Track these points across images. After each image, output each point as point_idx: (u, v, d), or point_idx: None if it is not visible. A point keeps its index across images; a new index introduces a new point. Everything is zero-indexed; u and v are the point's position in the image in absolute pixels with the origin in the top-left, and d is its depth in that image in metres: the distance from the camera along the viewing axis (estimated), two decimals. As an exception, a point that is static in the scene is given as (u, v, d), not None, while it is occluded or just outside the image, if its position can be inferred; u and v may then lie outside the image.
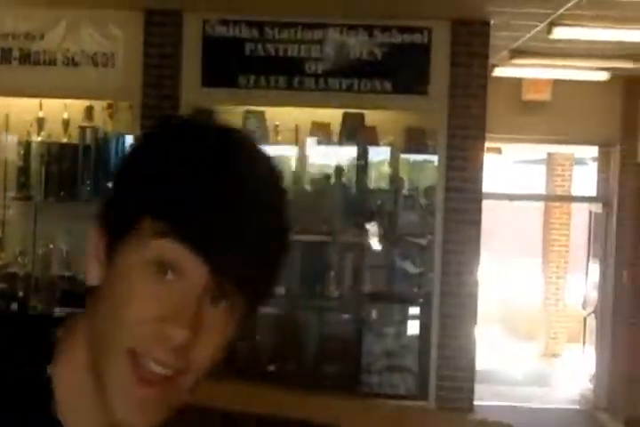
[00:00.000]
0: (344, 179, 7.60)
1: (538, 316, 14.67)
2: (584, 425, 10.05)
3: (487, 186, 11.40)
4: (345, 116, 7.47)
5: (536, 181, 15.11)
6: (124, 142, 6.76)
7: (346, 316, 6.84)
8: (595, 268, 10.89)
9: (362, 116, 7.46)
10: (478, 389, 11.38)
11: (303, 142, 7.49)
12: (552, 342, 14.02)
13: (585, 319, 11.32)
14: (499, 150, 14.20)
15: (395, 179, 7.70)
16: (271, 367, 6.48)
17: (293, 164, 7.61)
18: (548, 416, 10.35)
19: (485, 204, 7.37)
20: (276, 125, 7.44)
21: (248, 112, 7.38)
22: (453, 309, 6.61)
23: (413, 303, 6.86)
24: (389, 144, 7.64)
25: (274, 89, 6.87)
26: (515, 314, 16.35)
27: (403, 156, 7.73)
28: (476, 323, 6.44)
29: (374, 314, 6.83)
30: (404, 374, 6.66)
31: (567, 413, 10.57)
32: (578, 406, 10.78)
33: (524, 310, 15.83)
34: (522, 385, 12.00)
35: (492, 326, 15.68)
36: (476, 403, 10.62)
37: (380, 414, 5.54)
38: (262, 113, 7.40)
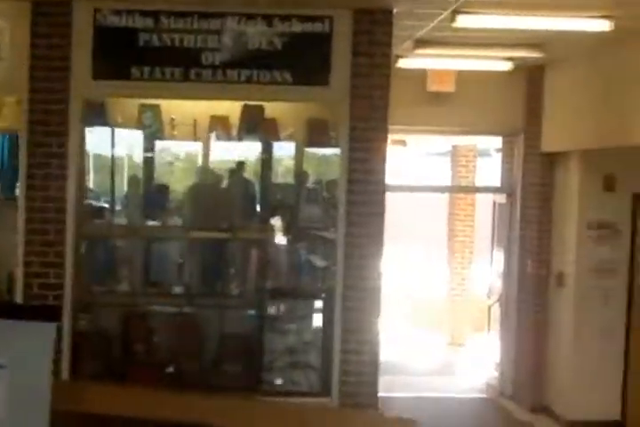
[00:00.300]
0: (246, 174, 7.41)
1: (443, 306, 14.67)
2: (490, 413, 10.02)
3: (393, 178, 11.32)
4: (244, 108, 7.28)
5: (442, 172, 15.09)
6: (10, 139, 6.44)
7: (247, 313, 6.66)
8: (499, 257, 10.88)
9: (262, 109, 7.28)
10: (385, 381, 11.24)
11: (205, 137, 7.27)
12: (458, 332, 14.03)
13: (489, 308, 11.31)
14: (404, 143, 14.16)
15: (299, 173, 7.54)
16: (170, 368, 6.26)
17: (193, 159, 7.40)
18: (454, 405, 10.31)
19: (391, 196, 7.31)
20: (173, 119, 7.20)
21: (143, 105, 7.13)
22: (356, 302, 6.47)
23: (316, 298, 6.71)
24: (291, 136, 7.47)
25: (169, 81, 6.63)
26: (421, 305, 16.33)
27: (308, 149, 7.57)
28: (379, 316, 6.30)
29: (276, 310, 6.66)
30: (307, 370, 6.51)
31: (473, 401, 10.55)
32: (484, 395, 10.75)
33: (430, 300, 15.82)
34: (428, 375, 11.95)
35: (399, 317, 15.65)
36: (382, 395, 10.56)
37: (279, 414, 5.37)
38: (158, 106, 7.17)
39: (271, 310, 6.65)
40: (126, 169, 7.47)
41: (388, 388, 10.90)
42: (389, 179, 6.78)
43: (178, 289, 6.70)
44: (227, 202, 7.06)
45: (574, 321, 9.12)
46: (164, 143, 7.30)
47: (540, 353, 9.79)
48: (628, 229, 9.02)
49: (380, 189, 6.60)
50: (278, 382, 6.48)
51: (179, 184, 7.57)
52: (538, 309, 9.86)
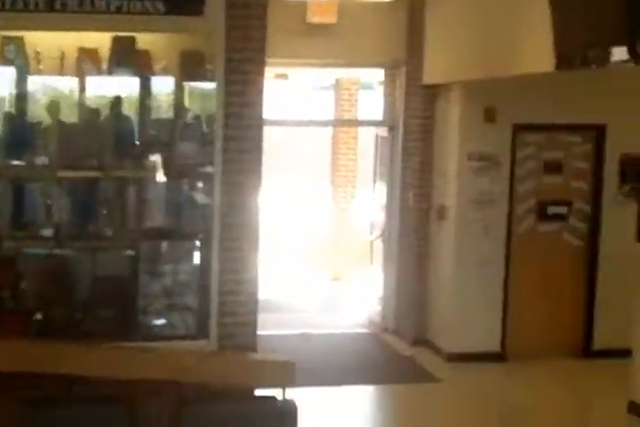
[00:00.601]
0: (124, 110, 7.03)
1: (327, 241, 14.58)
2: (371, 348, 10.00)
3: (275, 113, 11.05)
4: (114, 40, 6.88)
5: (325, 106, 14.84)
6: None
7: (121, 255, 6.36)
8: (381, 192, 10.78)
9: (133, 40, 6.90)
10: (267, 319, 11.18)
11: (76, 71, 6.86)
12: (341, 267, 13.96)
13: (372, 243, 11.24)
14: (285, 76, 13.85)
15: (178, 108, 7.21)
16: (38, 315, 5.96)
17: (68, 95, 6.99)
18: (336, 341, 10.26)
19: (275, 131, 7.11)
20: (38, 52, 6.77)
21: (5, 38, 6.67)
22: (234, 242, 6.24)
23: (193, 238, 6.45)
24: (165, 70, 7.10)
25: (33, 12, 6.19)
26: (305, 240, 16.22)
27: (189, 84, 7.23)
28: (258, 255, 6.11)
29: (152, 251, 6.39)
30: (184, 313, 6.30)
31: (355, 337, 10.53)
32: (366, 330, 10.73)
33: (314, 235, 15.71)
34: (311, 312, 11.86)
35: (283, 253, 15.52)
36: (263, 333, 10.43)
37: (153, 361, 5.17)
38: (21, 39, 6.71)
39: (146, 251, 6.38)
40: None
41: (270, 326, 10.82)
42: (271, 113, 6.53)
43: (47, 231, 6.37)
44: (98, 139, 6.70)
45: (455, 254, 9.12)
46: (37, 78, 6.87)
47: (422, 287, 9.79)
48: (507, 161, 9.00)
49: (257, 123, 6.35)
50: (155, 325, 6.25)
51: (49, 121, 7.17)
52: (420, 242, 9.83)
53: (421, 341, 9.71)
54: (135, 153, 6.71)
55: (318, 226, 15.55)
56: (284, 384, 5.35)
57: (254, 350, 6.23)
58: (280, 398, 5.23)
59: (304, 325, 10.89)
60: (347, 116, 13.70)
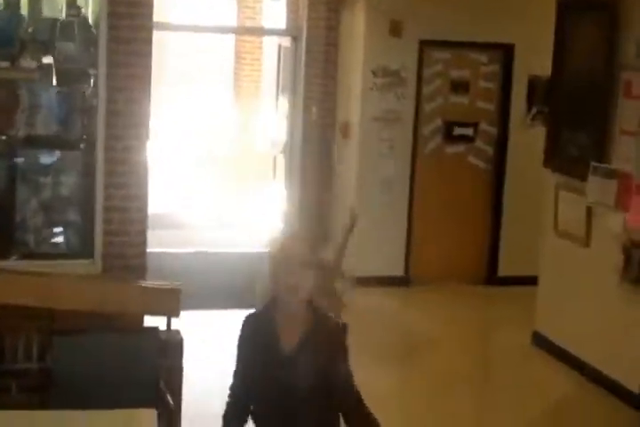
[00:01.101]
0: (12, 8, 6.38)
1: (230, 154, 14.14)
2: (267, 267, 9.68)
3: (172, 16, 10.38)
4: None
5: (227, 13, 14.17)
6: None
7: (-6, 165, 5.81)
8: (284, 105, 10.34)
9: None
10: (161, 235, 10.82)
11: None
12: (243, 182, 13.54)
13: (275, 159, 10.84)
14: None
15: (71, 5, 6.59)
16: None
17: None
18: (233, 261, 9.89)
19: (172, 36, 6.60)
20: None
21: None
22: (122, 153, 5.76)
23: (75, 148, 5.94)
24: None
25: None
26: (207, 154, 15.72)
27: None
28: (147, 169, 5.67)
29: (29, 162, 5.86)
30: (66, 230, 5.83)
31: (254, 256, 10.13)
32: (266, 250, 10.37)
33: (217, 149, 15.22)
34: (210, 229, 11.46)
35: (183, 167, 15.04)
36: (156, 250, 10.04)
37: (23, 282, 4.74)
38: None
39: (22, 161, 5.85)
40: None
41: (164, 243, 10.43)
42: (169, 17, 5.99)
43: None
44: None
45: (358, 174, 8.79)
46: None
47: (325, 207, 9.45)
48: (413, 78, 8.62)
49: (147, 24, 5.82)
50: (33, 242, 5.77)
51: None
52: (323, 160, 9.45)
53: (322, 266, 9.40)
54: (7, 53, 6.08)
55: (221, 139, 15.04)
56: (168, 313, 4.99)
57: (143, 272, 5.82)
58: (164, 328, 4.89)
59: (201, 242, 10.51)
60: (249, 24, 13.12)
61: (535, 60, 8.36)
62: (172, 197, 13.13)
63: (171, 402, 4.25)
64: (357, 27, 8.72)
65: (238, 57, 13.75)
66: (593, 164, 6.31)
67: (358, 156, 8.76)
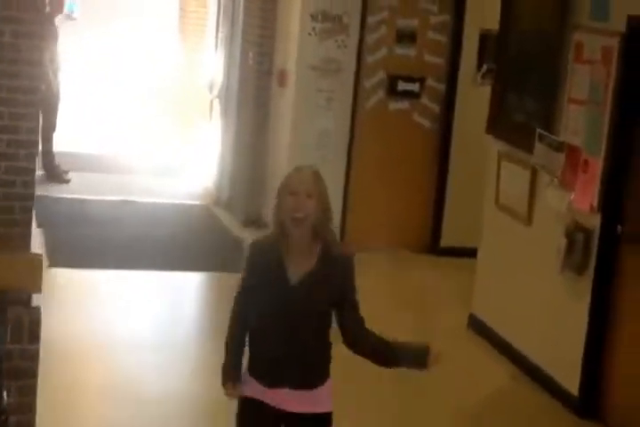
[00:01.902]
0: None
1: (170, 95, 13.31)
2: (198, 225, 9.01)
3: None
4: None
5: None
6: None
7: None
8: (223, 46, 9.57)
9: None
10: (89, 179, 10.12)
11: None
12: (184, 127, 12.75)
13: (212, 103, 10.08)
14: None
15: None
16: None
17: None
18: (162, 213, 9.22)
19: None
20: None
21: None
22: (13, 94, 4.88)
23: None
24: None
25: None
26: (148, 92, 14.88)
27: None
28: (56, 111, 4.80)
29: None
30: None
31: (184, 209, 9.49)
32: (198, 202, 9.70)
33: (160, 88, 14.37)
34: (142, 175, 10.69)
35: (118, 104, 14.22)
36: (79, 196, 9.36)
37: None
38: None
39: None
40: None
41: (90, 189, 9.75)
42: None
43: None
44: None
45: (293, 127, 8.07)
46: None
47: (259, 160, 8.77)
48: (356, 25, 7.86)
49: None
50: None
51: None
52: (259, 109, 8.74)
53: (255, 221, 8.72)
54: None
55: (162, 77, 14.17)
56: (27, 289, 4.31)
57: (27, 238, 5.06)
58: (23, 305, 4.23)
59: (130, 190, 9.79)
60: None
61: (489, 12, 7.56)
62: (105, 136, 12.40)
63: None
64: (296, -32, 7.94)
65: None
66: (539, 131, 5.63)
67: (293, 106, 8.05)
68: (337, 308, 3.50)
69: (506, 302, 6.26)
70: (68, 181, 9.85)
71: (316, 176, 3.52)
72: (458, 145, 8.11)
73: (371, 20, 7.94)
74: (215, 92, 9.85)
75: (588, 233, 5.33)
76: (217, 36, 9.97)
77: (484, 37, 7.84)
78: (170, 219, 9.07)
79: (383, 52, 8.02)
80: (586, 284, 5.37)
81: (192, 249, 8.13)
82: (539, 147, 5.63)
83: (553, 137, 5.56)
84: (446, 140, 8.17)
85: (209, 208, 9.52)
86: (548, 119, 5.64)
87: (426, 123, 8.20)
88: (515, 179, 6.10)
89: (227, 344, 3.59)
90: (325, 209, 3.45)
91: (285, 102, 8.28)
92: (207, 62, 10.73)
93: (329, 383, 3.55)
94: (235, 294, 3.61)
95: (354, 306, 3.52)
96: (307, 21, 7.82)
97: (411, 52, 8.04)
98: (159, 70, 14.36)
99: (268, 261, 3.48)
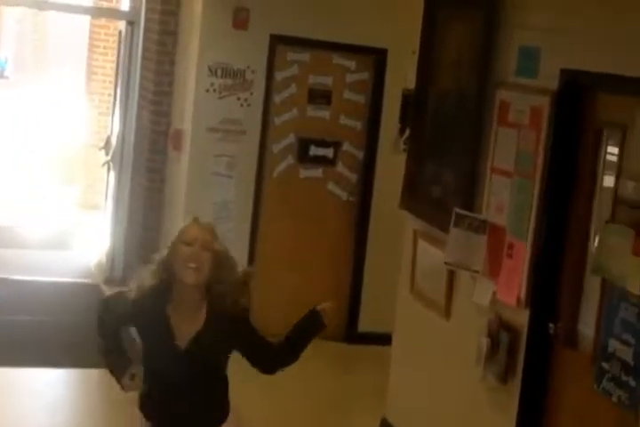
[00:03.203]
0: None
1: (79, 158, 12.57)
2: (81, 308, 8.06)
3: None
4: None
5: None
6: None
7: None
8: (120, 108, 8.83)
9: None
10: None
11: None
12: (90, 191, 11.97)
13: (109, 166, 9.25)
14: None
15: None
16: None
17: None
18: (40, 294, 8.32)
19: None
20: None
21: None
22: None
23: None
24: None
25: None
26: (53, 156, 14.14)
27: None
28: None
29: None
30: None
31: (69, 288, 8.60)
32: (87, 280, 8.82)
33: (66, 151, 13.63)
34: (37, 248, 9.85)
35: (22, 171, 13.47)
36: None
37: None
38: None
39: None
40: None
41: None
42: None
43: None
44: None
45: (188, 198, 7.33)
46: None
47: (155, 235, 7.99)
48: (262, 82, 7.20)
49: None
50: None
51: None
52: (152, 176, 8.02)
53: None
54: None
55: (70, 138, 13.44)
56: None
57: None
58: None
59: (4, 264, 8.91)
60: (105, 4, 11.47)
61: (413, 69, 6.96)
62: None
63: None
64: (195, 12, 7.27)
65: (91, 45, 12.15)
66: (457, 210, 4.91)
67: (188, 173, 7.30)
68: (245, 356, 3.66)
69: (421, 408, 5.49)
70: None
71: (212, 231, 3.60)
72: (377, 219, 7.46)
73: (279, 76, 7.31)
74: (109, 154, 9.07)
75: (514, 332, 4.59)
76: (115, 95, 9.23)
77: (407, 98, 7.19)
78: (51, 300, 8.18)
79: (293, 112, 7.39)
80: (512, 394, 4.60)
81: (73, 339, 7.24)
82: (455, 230, 4.90)
83: (473, 215, 4.85)
84: (364, 214, 7.51)
85: (96, 287, 8.65)
86: (467, 194, 4.93)
87: (342, 193, 7.53)
88: (432, 263, 5.36)
89: (101, 352, 3.76)
90: (221, 265, 3.52)
91: (180, 168, 7.55)
92: (108, 123, 10.01)
93: (230, 420, 3.72)
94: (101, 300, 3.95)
95: (263, 345, 3.71)
96: (204, 76, 7.15)
97: (325, 113, 7.43)
98: (62, 132, 13.71)
99: (152, 321, 3.54)
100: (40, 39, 17.02)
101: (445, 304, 5.22)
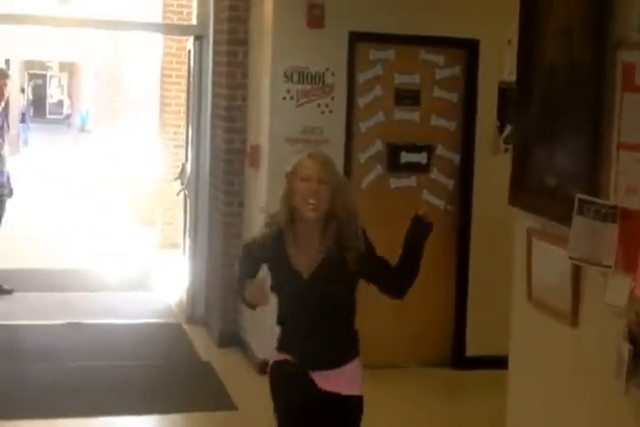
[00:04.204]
0: None
1: (156, 195, 12.26)
2: (162, 348, 7.68)
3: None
4: None
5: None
6: None
7: None
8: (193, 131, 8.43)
9: None
10: (34, 297, 8.88)
11: None
12: (169, 229, 11.62)
13: (185, 197, 8.83)
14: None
15: None
16: None
17: None
18: (118, 337, 7.92)
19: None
20: None
21: None
22: None
23: None
24: None
25: None
26: (131, 194, 13.92)
27: None
28: None
29: None
30: None
31: (148, 329, 8.19)
32: (167, 320, 8.41)
33: (142, 188, 13.38)
34: (116, 290, 9.51)
35: (103, 210, 13.31)
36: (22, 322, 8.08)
37: None
38: None
39: None
40: None
41: (34, 309, 8.50)
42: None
43: None
44: None
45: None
46: None
47: (233, 262, 7.49)
48: (343, 85, 6.73)
49: None
50: None
51: None
52: (230, 199, 7.56)
53: (233, 339, 7.47)
54: None
55: (146, 175, 13.20)
56: None
57: None
58: None
59: (82, 310, 8.54)
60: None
61: (509, 60, 6.41)
62: (60, 250, 11.35)
63: None
64: (265, 14, 6.83)
65: (164, 74, 11.83)
66: (579, 196, 4.30)
67: (267, 191, 6.81)
68: (372, 281, 3.98)
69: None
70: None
71: (327, 163, 3.80)
72: (480, 228, 6.96)
73: (361, 77, 6.85)
74: (184, 182, 8.64)
75: (660, 334, 3.97)
76: (187, 118, 8.84)
77: (505, 92, 6.71)
78: (134, 343, 7.75)
79: (379, 116, 6.93)
80: (663, 409, 3.97)
81: (156, 382, 6.79)
82: (579, 219, 4.30)
83: (599, 201, 4.23)
84: (465, 223, 7.01)
85: (178, 326, 8.23)
86: (590, 177, 4.32)
87: (439, 202, 7.01)
88: (552, 263, 4.74)
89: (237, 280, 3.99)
90: (338, 196, 3.73)
91: (259, 187, 7.07)
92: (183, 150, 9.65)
93: (357, 363, 3.96)
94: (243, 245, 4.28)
95: (386, 266, 4.02)
96: (279, 82, 6.69)
97: (414, 115, 6.95)
98: (139, 171, 13.52)
99: (274, 256, 3.81)
100: (115, 89, 17.17)
101: (572, 310, 4.59)
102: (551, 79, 4.74)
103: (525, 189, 4.97)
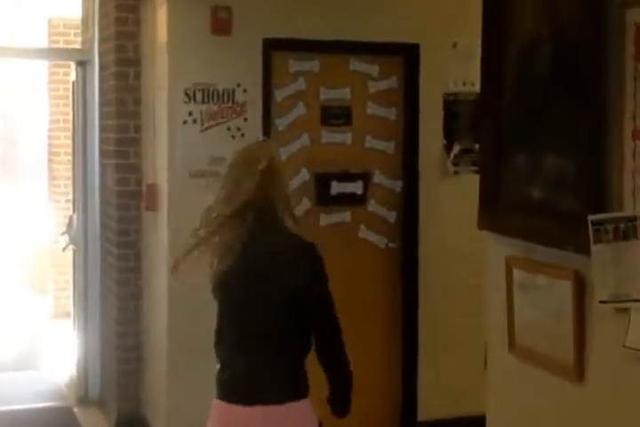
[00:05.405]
0: None
1: (46, 257, 11.33)
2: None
3: None
4: None
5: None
6: None
7: None
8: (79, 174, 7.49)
9: None
10: None
11: None
12: (63, 296, 10.65)
13: (73, 252, 7.86)
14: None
15: None
16: None
17: None
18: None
19: None
20: None
21: None
22: None
23: None
24: None
25: None
26: (21, 258, 13.00)
27: None
28: None
29: None
30: None
31: (32, 415, 7.27)
32: (55, 403, 7.56)
33: (33, 250, 12.45)
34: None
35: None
36: None
37: None
38: None
39: None
40: None
41: None
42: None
43: None
44: None
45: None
46: None
47: (135, 335, 6.59)
48: (257, 101, 5.97)
49: None
50: None
51: None
52: (126, 251, 6.61)
53: (133, 422, 6.64)
54: None
55: (36, 236, 12.31)
56: None
57: None
58: None
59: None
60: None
61: (456, 67, 5.71)
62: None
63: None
64: (160, 24, 5.95)
65: (53, 118, 10.92)
66: (592, 218, 3.38)
67: (170, 240, 5.83)
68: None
69: None
70: None
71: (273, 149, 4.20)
72: (430, 268, 6.37)
73: (280, 93, 6.16)
74: (66, 236, 7.68)
75: None
76: (73, 163, 7.87)
77: (451, 105, 5.95)
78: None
79: (304, 140, 6.28)
80: None
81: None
82: (600, 254, 3.38)
83: (615, 215, 3.33)
84: (411, 263, 6.41)
85: (68, 410, 7.40)
86: (594, 181, 3.45)
87: (379, 239, 6.39)
88: (543, 299, 3.89)
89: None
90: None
91: (159, 235, 6.10)
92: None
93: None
94: None
95: (320, 303, 4.28)
96: (178, 103, 5.82)
97: (345, 136, 6.35)
98: (27, 238, 12.64)
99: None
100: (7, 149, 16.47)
101: (575, 359, 3.70)
102: (532, 58, 3.89)
103: (500, 208, 4.10)
